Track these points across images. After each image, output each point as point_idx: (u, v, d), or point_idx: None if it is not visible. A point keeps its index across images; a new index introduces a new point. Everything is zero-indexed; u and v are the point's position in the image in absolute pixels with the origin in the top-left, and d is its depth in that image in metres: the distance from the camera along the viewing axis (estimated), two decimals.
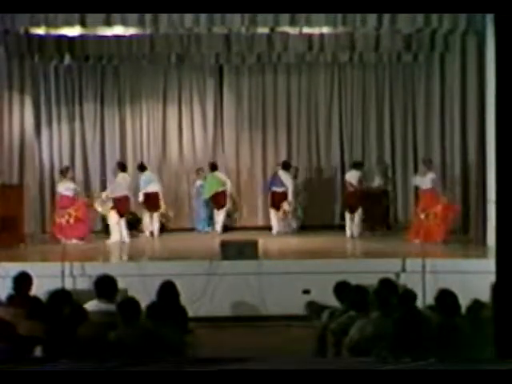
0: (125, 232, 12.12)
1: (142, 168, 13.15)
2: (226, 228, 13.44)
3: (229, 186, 13.34)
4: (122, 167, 12.67)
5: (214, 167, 13.40)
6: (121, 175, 12.43)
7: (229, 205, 13.52)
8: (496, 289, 4.25)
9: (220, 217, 13.31)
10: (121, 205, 12.17)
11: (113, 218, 12.12)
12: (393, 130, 14.16)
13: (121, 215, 12.10)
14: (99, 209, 12.32)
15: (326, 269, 8.93)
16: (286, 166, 13.26)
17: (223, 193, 13.29)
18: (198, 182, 13.62)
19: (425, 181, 11.60)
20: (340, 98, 14.32)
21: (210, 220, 13.54)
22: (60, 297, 5.97)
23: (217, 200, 13.28)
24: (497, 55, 3.78)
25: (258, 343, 7.70)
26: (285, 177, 13.05)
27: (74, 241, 11.64)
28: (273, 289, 9.10)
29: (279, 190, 13.07)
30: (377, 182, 13.37)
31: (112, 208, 12.09)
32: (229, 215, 13.77)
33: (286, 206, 13.02)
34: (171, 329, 5.53)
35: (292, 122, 14.37)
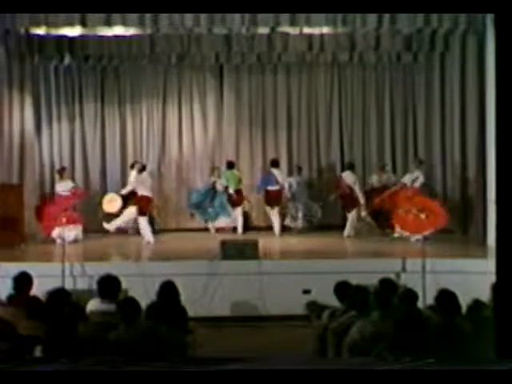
0: (148, 232, 12.07)
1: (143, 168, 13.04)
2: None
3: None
4: (144, 167, 12.56)
5: (230, 165, 13.41)
6: (145, 174, 12.28)
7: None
8: (496, 288, 4.25)
9: (238, 216, 13.33)
10: (143, 203, 12.02)
11: (130, 213, 12.07)
12: (393, 129, 14.16)
13: (143, 213, 11.96)
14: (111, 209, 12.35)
15: (327, 269, 8.94)
16: (276, 163, 13.28)
17: (239, 191, 13.30)
18: (212, 179, 13.57)
19: (412, 179, 11.81)
20: (340, 97, 14.33)
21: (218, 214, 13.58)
22: (59, 296, 5.97)
23: (232, 197, 13.31)
24: (497, 55, 3.78)
25: (259, 343, 7.71)
26: (280, 175, 13.11)
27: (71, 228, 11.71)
28: (273, 289, 9.11)
29: (274, 188, 13.08)
30: (377, 179, 13.38)
31: (133, 204, 12.06)
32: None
33: (281, 203, 13.15)
34: (171, 329, 5.53)
35: (292, 121, 14.38)
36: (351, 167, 13.07)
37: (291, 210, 13.28)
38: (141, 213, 11.93)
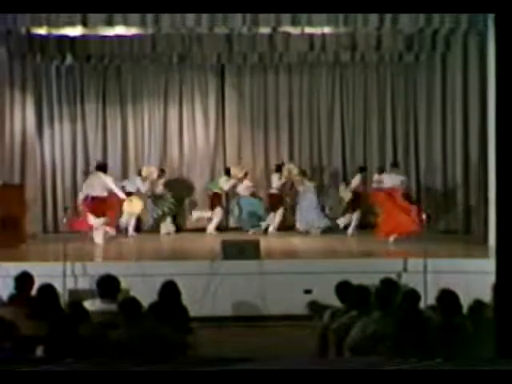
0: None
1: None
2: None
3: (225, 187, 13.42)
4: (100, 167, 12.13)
5: (225, 171, 13.62)
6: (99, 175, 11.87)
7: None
8: (497, 288, 4.25)
9: (214, 217, 13.45)
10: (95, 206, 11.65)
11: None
12: (394, 129, 14.16)
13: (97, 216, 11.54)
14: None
15: (328, 268, 8.94)
16: (277, 168, 13.49)
17: (215, 194, 13.44)
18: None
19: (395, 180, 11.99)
20: (341, 97, 14.32)
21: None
22: (47, 292, 5.99)
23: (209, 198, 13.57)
24: (497, 55, 3.77)
25: (260, 343, 7.71)
26: (276, 181, 13.31)
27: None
28: (274, 289, 9.11)
29: (274, 192, 13.38)
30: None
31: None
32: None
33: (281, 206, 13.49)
34: (173, 329, 5.53)
35: (294, 121, 14.37)
36: (360, 170, 13.25)
37: (297, 216, 13.41)
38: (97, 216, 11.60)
